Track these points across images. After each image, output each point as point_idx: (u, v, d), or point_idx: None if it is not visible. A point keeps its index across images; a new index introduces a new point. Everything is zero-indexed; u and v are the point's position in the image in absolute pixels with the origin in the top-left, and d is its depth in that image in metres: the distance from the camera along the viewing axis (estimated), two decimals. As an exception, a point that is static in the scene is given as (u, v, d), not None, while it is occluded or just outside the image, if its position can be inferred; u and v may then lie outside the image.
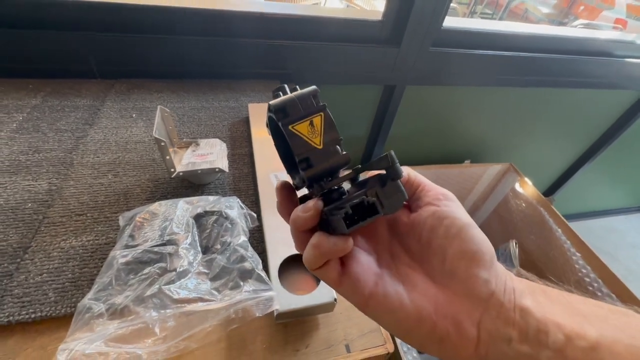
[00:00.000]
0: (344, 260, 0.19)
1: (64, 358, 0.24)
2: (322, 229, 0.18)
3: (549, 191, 1.45)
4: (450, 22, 0.77)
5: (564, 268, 0.90)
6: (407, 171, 0.21)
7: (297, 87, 0.20)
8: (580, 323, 0.16)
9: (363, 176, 0.21)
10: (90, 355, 0.24)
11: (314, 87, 0.19)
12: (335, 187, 0.19)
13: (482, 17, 3.76)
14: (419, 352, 0.72)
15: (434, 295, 0.18)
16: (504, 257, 1.02)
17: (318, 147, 0.18)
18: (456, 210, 0.19)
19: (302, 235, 0.19)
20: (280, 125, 0.18)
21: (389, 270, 0.19)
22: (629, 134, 1.20)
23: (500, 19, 3.59)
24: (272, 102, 0.19)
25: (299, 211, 0.18)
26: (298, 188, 0.21)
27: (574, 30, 1.06)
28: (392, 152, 0.18)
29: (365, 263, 0.19)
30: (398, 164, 0.18)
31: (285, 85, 0.20)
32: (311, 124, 0.18)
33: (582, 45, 0.91)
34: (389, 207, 0.18)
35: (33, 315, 0.30)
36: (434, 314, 0.18)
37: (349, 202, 0.17)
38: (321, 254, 0.18)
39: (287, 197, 0.20)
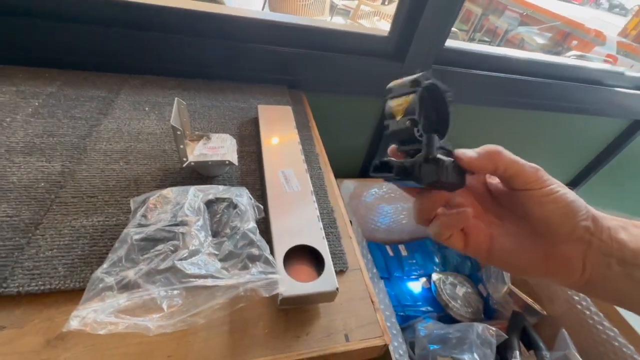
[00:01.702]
0: (465, 231, 0.24)
1: (76, 324, 0.24)
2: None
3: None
4: (451, 43, 0.81)
5: (555, 286, 0.92)
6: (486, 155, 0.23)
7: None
8: None
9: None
10: (102, 323, 0.25)
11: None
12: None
13: (480, 44, 3.91)
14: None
15: (541, 244, 0.23)
16: (495, 275, 1.04)
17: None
18: (551, 184, 0.23)
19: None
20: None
21: (497, 229, 0.25)
22: (617, 162, 1.24)
23: (498, 46, 3.73)
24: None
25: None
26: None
27: (569, 59, 1.12)
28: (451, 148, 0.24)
29: (479, 231, 0.25)
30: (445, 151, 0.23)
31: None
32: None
33: (575, 72, 0.96)
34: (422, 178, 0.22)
35: (42, 287, 0.30)
36: (545, 258, 0.23)
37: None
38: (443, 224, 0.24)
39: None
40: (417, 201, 0.25)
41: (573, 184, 1.33)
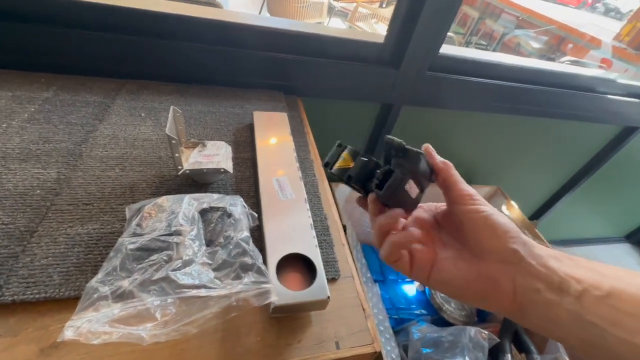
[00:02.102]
0: (412, 254, 0.26)
1: (71, 333, 0.25)
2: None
3: (533, 216, 1.50)
4: (447, 49, 0.82)
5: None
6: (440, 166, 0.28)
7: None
8: (597, 279, 0.21)
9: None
10: (96, 333, 0.25)
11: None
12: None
13: (476, 48, 3.94)
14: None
15: (476, 265, 0.24)
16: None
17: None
18: (480, 204, 0.25)
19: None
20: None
21: (440, 254, 0.27)
22: (609, 167, 1.26)
23: (494, 50, 3.77)
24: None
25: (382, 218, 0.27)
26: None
27: (561, 66, 1.13)
28: (398, 172, 0.26)
29: (423, 254, 0.26)
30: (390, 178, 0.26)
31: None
32: None
33: (568, 79, 0.97)
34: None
35: (37, 296, 0.31)
36: (478, 279, 0.24)
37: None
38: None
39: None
40: (378, 219, 0.28)
41: (566, 188, 1.35)
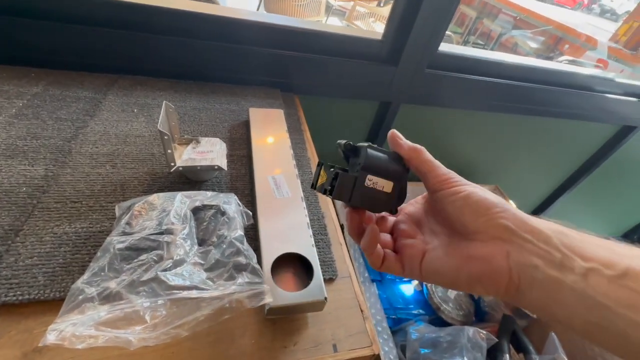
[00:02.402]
0: (400, 253, 0.26)
1: (53, 338, 0.23)
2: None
3: (532, 215, 1.49)
4: (446, 47, 0.81)
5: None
6: (412, 155, 0.26)
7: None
8: (610, 257, 0.18)
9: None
10: (80, 337, 0.24)
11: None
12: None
13: (474, 47, 3.94)
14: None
15: (466, 248, 0.22)
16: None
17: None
18: (458, 184, 0.24)
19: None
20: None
21: (431, 244, 0.25)
22: (607, 166, 1.26)
23: (491, 50, 3.77)
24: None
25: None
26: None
27: (560, 65, 1.13)
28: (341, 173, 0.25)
29: (412, 248, 0.25)
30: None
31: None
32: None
33: (566, 78, 0.97)
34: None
35: (20, 297, 0.29)
36: (469, 262, 0.22)
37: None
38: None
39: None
40: (362, 242, 0.26)
41: (564, 187, 1.35)
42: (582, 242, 0.20)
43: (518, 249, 0.20)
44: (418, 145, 0.26)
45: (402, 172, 0.27)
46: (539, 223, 0.21)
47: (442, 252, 0.24)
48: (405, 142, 0.26)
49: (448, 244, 0.24)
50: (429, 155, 0.25)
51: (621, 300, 0.17)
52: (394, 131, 0.27)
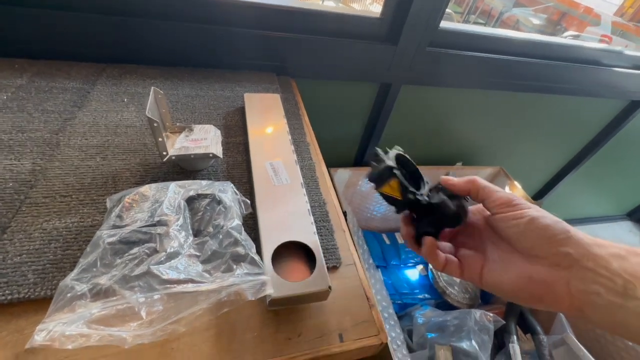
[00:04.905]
0: (461, 261, 0.27)
1: (41, 338, 0.22)
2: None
3: (537, 196, 1.48)
4: (446, 25, 0.78)
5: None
6: (471, 185, 0.27)
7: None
8: None
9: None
10: (71, 337, 0.23)
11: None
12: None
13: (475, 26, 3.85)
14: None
15: (527, 269, 0.23)
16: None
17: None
18: (520, 208, 0.24)
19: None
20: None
21: (491, 256, 0.26)
22: (613, 144, 1.23)
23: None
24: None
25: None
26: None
27: (565, 40, 1.08)
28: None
29: (472, 259, 0.27)
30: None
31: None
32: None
33: (572, 52, 0.93)
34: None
35: (10, 297, 0.28)
36: (530, 283, 0.23)
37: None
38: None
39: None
40: (402, 228, 0.30)
41: (569, 167, 1.32)
42: None
43: (579, 278, 0.21)
44: (471, 177, 0.28)
45: (467, 203, 0.29)
46: (601, 248, 0.21)
47: (502, 266, 0.25)
48: (458, 181, 0.28)
49: (509, 260, 0.25)
50: (483, 182, 0.27)
51: None
52: (443, 177, 0.29)
